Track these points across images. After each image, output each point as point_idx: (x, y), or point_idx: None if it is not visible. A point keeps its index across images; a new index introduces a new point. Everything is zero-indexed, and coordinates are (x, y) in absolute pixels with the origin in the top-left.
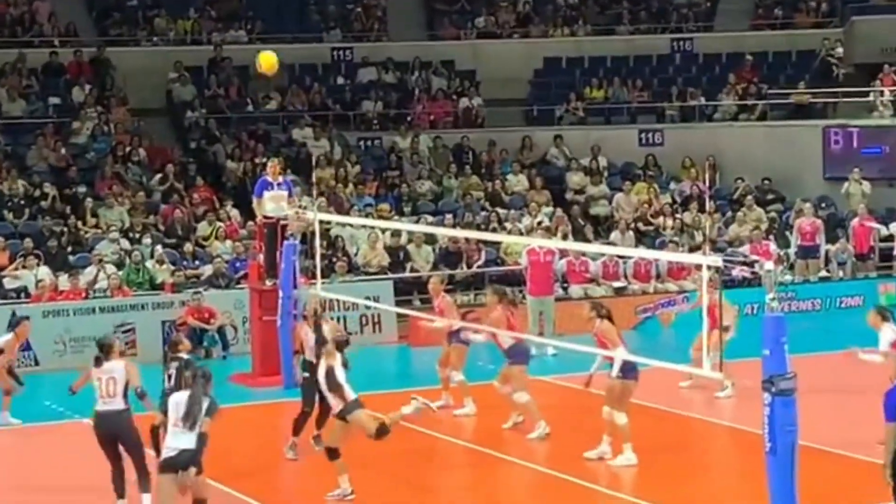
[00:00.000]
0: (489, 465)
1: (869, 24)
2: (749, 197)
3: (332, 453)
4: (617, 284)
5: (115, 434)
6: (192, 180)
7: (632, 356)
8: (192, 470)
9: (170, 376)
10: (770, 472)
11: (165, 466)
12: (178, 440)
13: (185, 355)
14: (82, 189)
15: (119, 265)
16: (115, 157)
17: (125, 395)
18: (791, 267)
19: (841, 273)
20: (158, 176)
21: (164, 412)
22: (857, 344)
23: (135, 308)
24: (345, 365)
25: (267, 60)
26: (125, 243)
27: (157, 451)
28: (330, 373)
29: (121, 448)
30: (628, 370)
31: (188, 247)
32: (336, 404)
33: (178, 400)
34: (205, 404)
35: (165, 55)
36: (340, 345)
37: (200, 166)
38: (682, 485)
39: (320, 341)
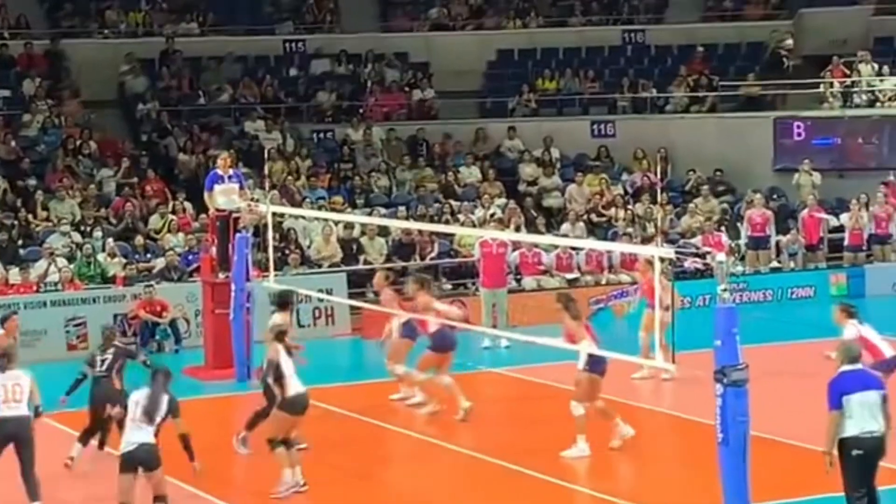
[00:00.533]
0: (437, 455)
1: (818, 16)
2: (704, 187)
3: (275, 444)
4: (570, 276)
5: (14, 439)
6: (143, 173)
7: (596, 349)
8: (160, 470)
9: (103, 361)
10: (722, 462)
11: (126, 461)
12: (136, 435)
13: (119, 344)
14: (33, 182)
15: (70, 258)
16: (66, 150)
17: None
18: (742, 258)
19: (792, 264)
20: (110, 169)
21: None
22: (811, 335)
23: (86, 301)
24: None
25: None
26: (76, 236)
27: (102, 444)
28: (274, 364)
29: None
30: (594, 363)
31: (140, 240)
32: (279, 395)
33: (138, 397)
34: (164, 400)
35: (117, 47)
36: (279, 335)
37: (152, 159)
38: (634, 476)
39: None
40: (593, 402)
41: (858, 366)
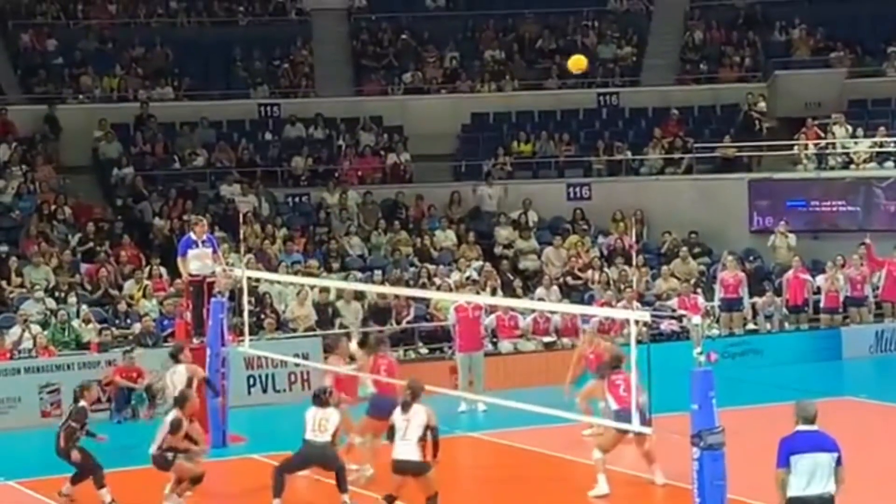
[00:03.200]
0: None
1: (792, 78)
2: (683, 249)
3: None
4: (547, 339)
5: None
6: (118, 238)
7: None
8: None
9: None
10: None
11: None
12: None
13: (84, 404)
14: (6, 248)
15: (44, 325)
16: (41, 216)
17: None
18: (717, 320)
19: (768, 326)
20: (84, 235)
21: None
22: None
23: (60, 368)
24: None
25: (577, 63)
26: (51, 302)
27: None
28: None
29: None
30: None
31: (123, 306)
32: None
33: None
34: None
35: (91, 112)
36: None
37: (127, 224)
38: None
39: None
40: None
41: (814, 427)
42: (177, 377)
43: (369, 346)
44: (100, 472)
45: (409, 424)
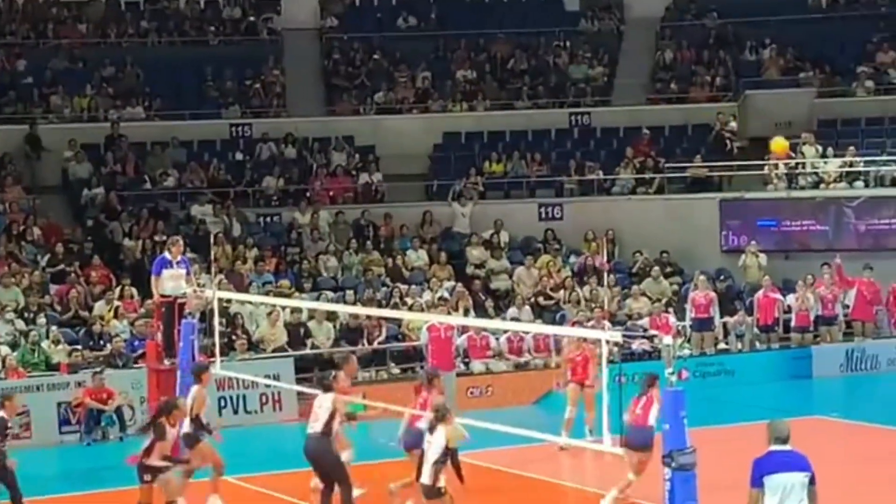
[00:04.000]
0: None
1: (762, 98)
2: (655, 269)
3: None
4: (521, 360)
5: None
6: (88, 259)
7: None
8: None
9: None
10: None
11: None
12: None
13: (3, 414)
14: None
15: (14, 346)
16: (10, 236)
17: None
18: (688, 340)
19: (739, 345)
20: (49, 255)
21: None
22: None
23: (29, 389)
24: None
25: (780, 146)
26: (20, 324)
27: None
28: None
29: None
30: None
31: (97, 327)
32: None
33: None
34: None
35: (61, 132)
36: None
37: (97, 244)
38: None
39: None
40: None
41: (787, 447)
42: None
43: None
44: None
45: (431, 447)
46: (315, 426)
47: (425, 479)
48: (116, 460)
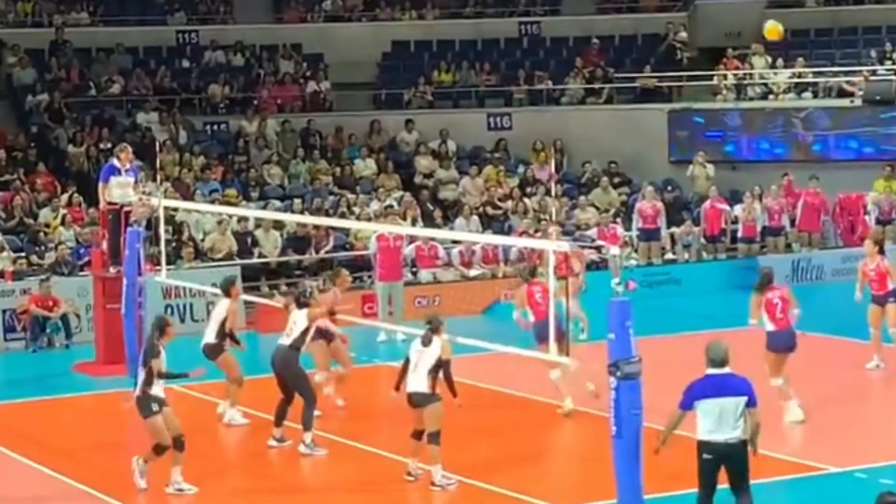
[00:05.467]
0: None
1: (713, 8)
2: (604, 179)
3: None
4: (473, 272)
5: None
6: (32, 166)
7: None
8: (148, 420)
9: None
10: (616, 455)
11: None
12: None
13: None
14: None
15: None
16: None
17: None
18: (636, 250)
19: (686, 255)
20: None
21: None
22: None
23: None
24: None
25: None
26: None
27: None
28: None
29: None
30: None
31: (41, 235)
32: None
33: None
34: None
35: (4, 38)
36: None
37: (42, 151)
38: (527, 469)
39: None
40: None
41: (725, 370)
42: (219, 310)
43: (523, 276)
44: None
45: (423, 357)
46: (286, 339)
47: (420, 387)
48: (62, 367)
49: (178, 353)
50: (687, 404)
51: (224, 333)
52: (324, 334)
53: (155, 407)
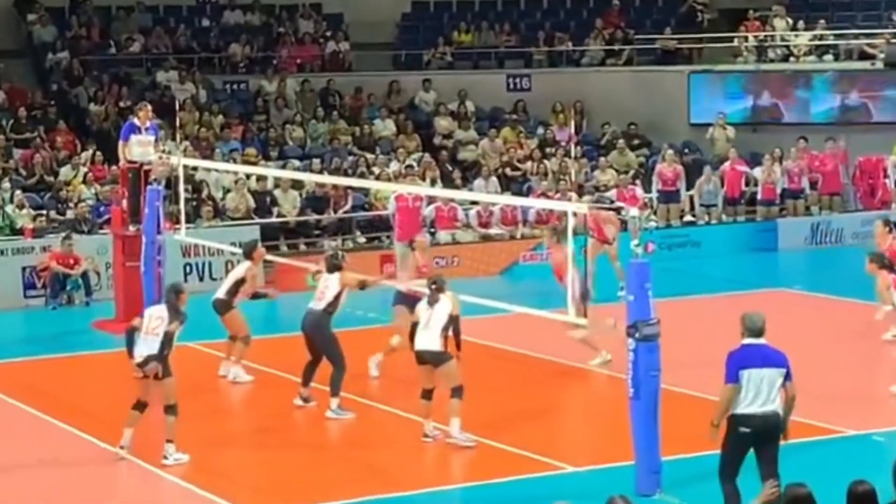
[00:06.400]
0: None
1: None
2: (620, 141)
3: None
4: (493, 231)
5: None
6: (53, 123)
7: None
8: (168, 381)
9: None
10: (633, 416)
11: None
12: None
13: None
14: None
15: None
16: None
17: None
18: (655, 212)
19: (706, 217)
20: (13, 120)
21: None
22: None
23: None
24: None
25: None
26: None
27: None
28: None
29: None
30: None
31: (62, 192)
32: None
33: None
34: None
35: None
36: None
37: (62, 109)
38: (544, 429)
39: None
40: None
41: (761, 340)
42: (237, 270)
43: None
44: None
45: (433, 315)
46: (318, 304)
47: (432, 345)
48: (82, 325)
49: (196, 310)
50: (733, 377)
51: (235, 291)
52: (408, 300)
53: (171, 370)
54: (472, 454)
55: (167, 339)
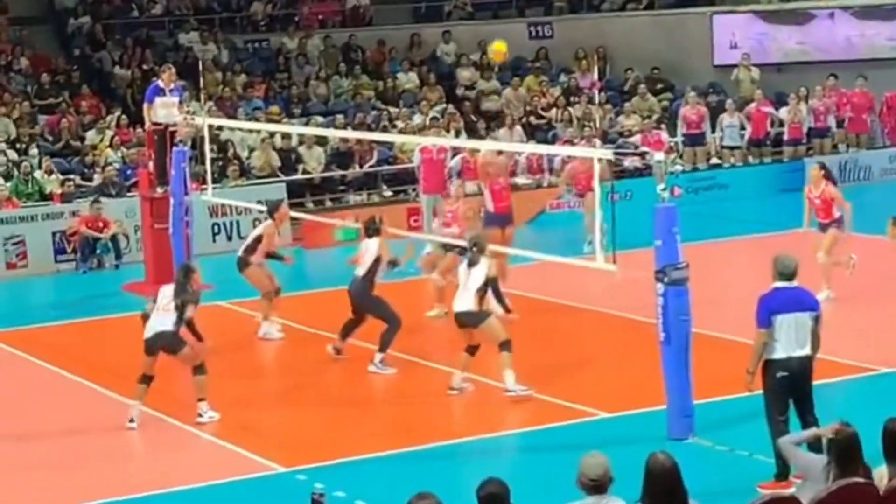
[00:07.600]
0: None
1: None
2: (642, 86)
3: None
4: (520, 180)
5: None
6: (77, 88)
7: None
8: (186, 349)
9: None
10: (664, 361)
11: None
12: (158, 322)
13: None
14: None
15: (7, 177)
16: None
17: None
18: (680, 156)
19: (732, 160)
20: (37, 86)
21: None
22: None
23: (24, 220)
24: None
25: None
26: (12, 154)
27: None
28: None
29: None
30: None
31: (89, 157)
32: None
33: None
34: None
35: None
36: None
37: (86, 74)
38: (575, 377)
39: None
40: None
41: (794, 283)
42: (258, 229)
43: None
44: None
45: (470, 277)
46: (360, 270)
47: (467, 306)
48: (113, 288)
49: (225, 270)
50: (766, 321)
51: (253, 249)
52: (500, 220)
53: (184, 341)
54: (502, 404)
55: (181, 319)
